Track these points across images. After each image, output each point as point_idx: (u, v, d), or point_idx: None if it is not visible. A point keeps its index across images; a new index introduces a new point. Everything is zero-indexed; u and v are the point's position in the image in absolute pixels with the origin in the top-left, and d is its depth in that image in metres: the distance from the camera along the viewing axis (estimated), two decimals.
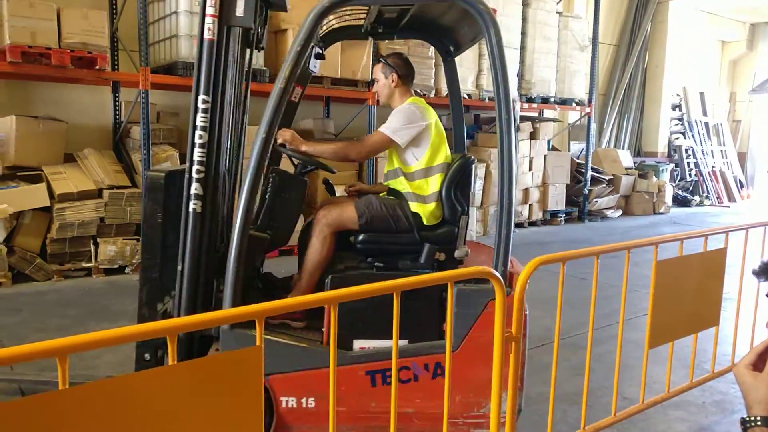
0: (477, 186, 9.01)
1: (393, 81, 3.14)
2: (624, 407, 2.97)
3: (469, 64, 8.82)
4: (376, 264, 2.77)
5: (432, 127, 3.02)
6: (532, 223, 10.13)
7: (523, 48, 9.50)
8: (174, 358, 1.59)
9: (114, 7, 6.76)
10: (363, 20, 3.46)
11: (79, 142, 6.48)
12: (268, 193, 2.93)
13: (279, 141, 2.92)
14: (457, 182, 2.97)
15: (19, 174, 5.85)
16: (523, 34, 9.44)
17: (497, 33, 2.55)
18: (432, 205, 2.95)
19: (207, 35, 2.54)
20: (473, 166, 3.11)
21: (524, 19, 9.46)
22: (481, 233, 9.12)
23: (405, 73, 3.18)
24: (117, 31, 6.65)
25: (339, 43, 7.05)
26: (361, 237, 2.84)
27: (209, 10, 2.55)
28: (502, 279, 2.22)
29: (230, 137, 2.86)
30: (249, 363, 1.68)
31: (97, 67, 5.74)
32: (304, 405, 2.48)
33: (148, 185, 2.65)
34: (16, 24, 5.30)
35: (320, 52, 3.39)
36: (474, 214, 8.81)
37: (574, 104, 10.57)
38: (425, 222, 2.93)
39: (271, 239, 2.83)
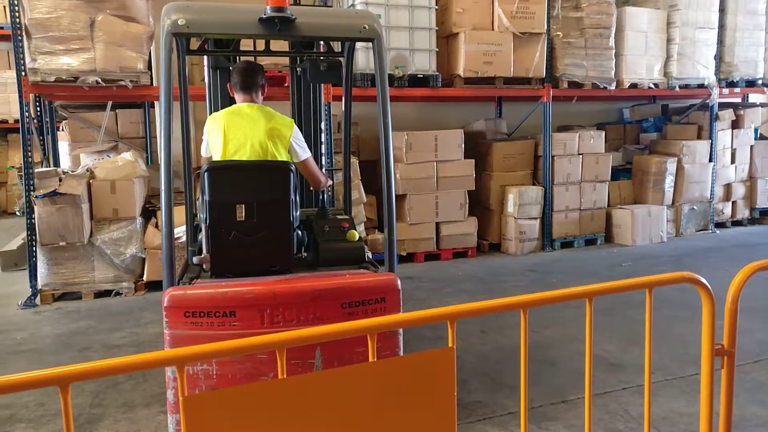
0: (668, 182, 8.24)
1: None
2: None
3: (655, 51, 8.10)
4: None
5: None
6: (736, 223, 9.02)
7: (722, 27, 8.48)
8: (373, 355, 1.64)
9: None
10: None
11: None
12: None
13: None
14: None
15: None
16: (722, 11, 8.43)
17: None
18: None
19: None
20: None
21: None
22: (673, 234, 8.32)
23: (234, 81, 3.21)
24: None
25: (511, 42, 6.92)
26: None
27: None
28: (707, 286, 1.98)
29: None
30: (441, 363, 1.69)
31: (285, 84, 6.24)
32: None
33: None
34: None
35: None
36: (665, 213, 8.06)
37: None
38: None
39: None
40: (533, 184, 7.62)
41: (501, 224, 7.54)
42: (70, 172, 5.71)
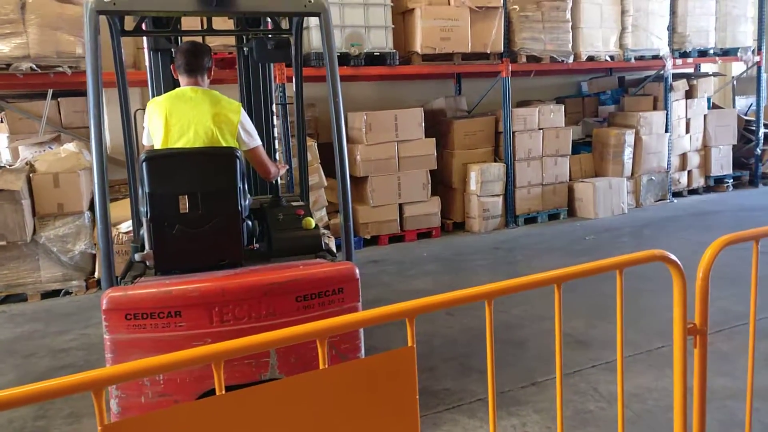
0: (627, 154, 8.27)
1: None
2: None
3: (610, 23, 8.06)
4: None
5: None
6: (692, 191, 9.13)
7: None
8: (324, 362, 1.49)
9: None
10: None
11: None
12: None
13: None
14: None
15: None
16: None
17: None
18: None
19: None
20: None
21: None
22: (633, 205, 8.37)
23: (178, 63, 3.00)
24: None
25: (468, 17, 6.76)
26: None
27: None
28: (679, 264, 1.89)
29: None
30: (402, 363, 1.56)
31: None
32: None
33: None
34: None
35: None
36: (625, 185, 8.10)
37: (738, 54, 9.29)
38: None
39: None
40: (495, 161, 7.55)
41: (464, 203, 7.45)
42: (7, 167, 5.36)
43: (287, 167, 3.57)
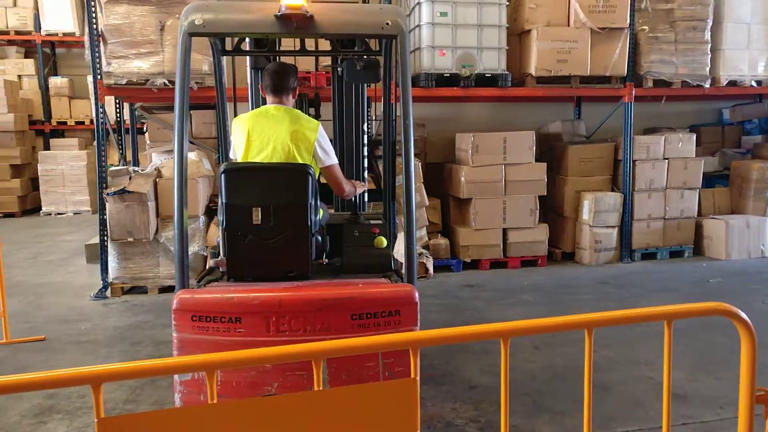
0: None
1: None
2: None
3: (760, 45, 7.31)
4: None
5: None
6: None
7: None
8: (319, 383, 1.49)
9: None
10: None
11: None
12: None
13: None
14: None
15: None
16: None
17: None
18: None
19: None
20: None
21: None
22: None
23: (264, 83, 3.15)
24: None
25: (588, 38, 6.48)
26: None
27: None
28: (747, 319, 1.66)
29: None
30: (403, 395, 1.51)
31: None
32: None
33: None
34: None
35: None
36: (767, 225, 7.24)
37: None
38: None
39: None
40: (612, 190, 7.10)
41: (575, 232, 7.08)
42: (140, 171, 5.96)
43: (365, 186, 3.62)
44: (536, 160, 6.79)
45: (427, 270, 6.29)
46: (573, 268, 6.87)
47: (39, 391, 3.52)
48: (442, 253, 6.67)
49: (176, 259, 2.73)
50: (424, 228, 6.57)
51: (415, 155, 6.83)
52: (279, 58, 3.67)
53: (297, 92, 3.19)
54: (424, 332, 1.49)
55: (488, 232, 6.71)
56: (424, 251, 6.43)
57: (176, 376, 2.65)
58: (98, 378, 1.29)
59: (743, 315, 1.65)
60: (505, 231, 6.77)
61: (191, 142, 7.16)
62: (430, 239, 6.64)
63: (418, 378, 1.48)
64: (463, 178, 6.60)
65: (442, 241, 6.73)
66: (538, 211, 6.84)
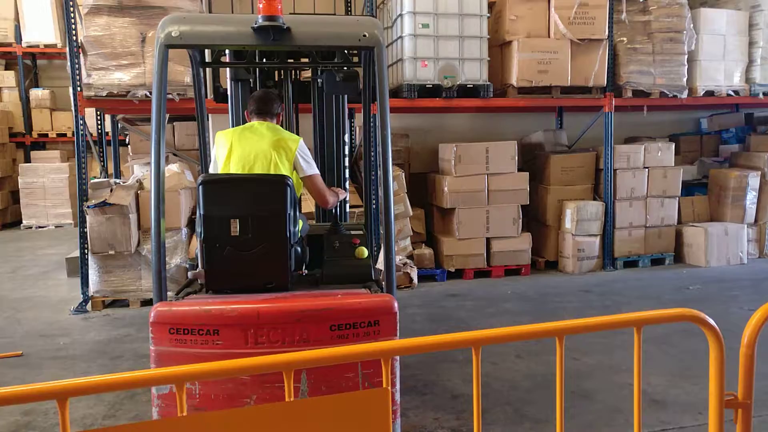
0: (750, 198, 7.52)
1: None
2: None
3: (735, 56, 7.46)
4: None
5: None
6: None
7: None
8: (290, 394, 1.49)
9: None
10: None
11: None
12: None
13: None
14: None
15: None
16: None
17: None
18: None
19: None
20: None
21: None
22: (755, 255, 7.57)
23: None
24: None
25: (568, 49, 6.56)
26: None
27: None
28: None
29: None
30: (374, 405, 1.52)
31: None
32: None
33: None
34: None
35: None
36: (745, 232, 7.35)
37: None
38: None
39: None
40: (594, 199, 7.17)
41: (558, 241, 7.13)
42: (121, 183, 5.92)
43: (346, 194, 3.63)
44: (519, 170, 6.85)
45: (411, 280, 6.30)
46: (556, 276, 6.92)
47: (15, 408, 3.47)
48: (426, 263, 6.68)
49: (153, 272, 2.72)
50: (408, 238, 6.58)
51: (399, 165, 6.89)
52: (257, 70, 3.68)
53: (280, 117, 3.25)
54: (395, 342, 1.49)
55: (472, 242, 6.73)
56: (408, 261, 6.44)
57: (154, 390, 2.62)
58: (63, 393, 1.28)
59: (710, 321, 1.67)
60: (488, 240, 6.80)
61: (174, 154, 7.15)
62: (414, 249, 6.65)
63: (390, 388, 1.48)
64: (446, 188, 6.64)
65: (426, 251, 6.74)
66: (521, 221, 6.88)
